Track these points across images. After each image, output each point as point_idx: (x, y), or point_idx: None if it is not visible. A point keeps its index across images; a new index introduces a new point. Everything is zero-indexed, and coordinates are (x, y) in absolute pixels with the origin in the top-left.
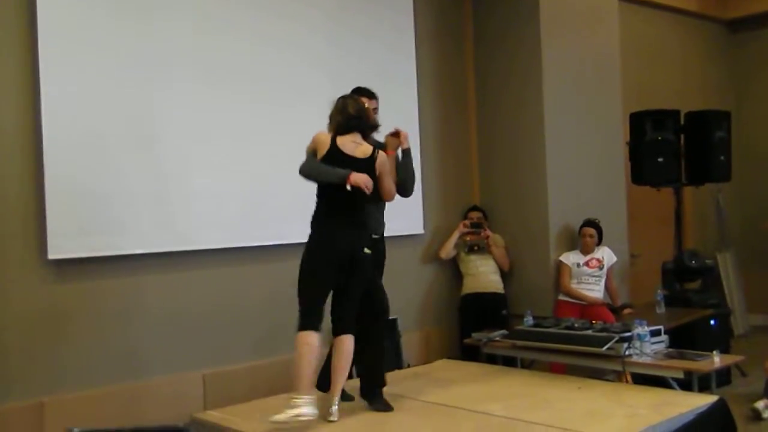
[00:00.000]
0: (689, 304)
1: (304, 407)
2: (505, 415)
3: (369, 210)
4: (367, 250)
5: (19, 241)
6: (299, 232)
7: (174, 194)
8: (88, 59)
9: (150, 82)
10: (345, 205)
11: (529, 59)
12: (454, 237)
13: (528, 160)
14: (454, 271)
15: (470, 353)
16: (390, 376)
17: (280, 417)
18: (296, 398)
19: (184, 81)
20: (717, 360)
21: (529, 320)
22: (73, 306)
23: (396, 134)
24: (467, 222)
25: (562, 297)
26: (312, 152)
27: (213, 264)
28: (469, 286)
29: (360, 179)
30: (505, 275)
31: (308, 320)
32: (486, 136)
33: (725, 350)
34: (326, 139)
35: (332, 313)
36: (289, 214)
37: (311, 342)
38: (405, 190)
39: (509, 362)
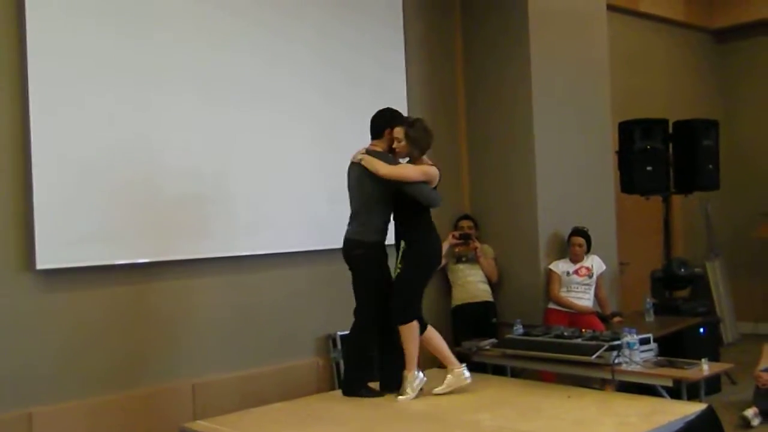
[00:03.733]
0: (678, 312)
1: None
2: (494, 425)
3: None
4: None
5: (7, 250)
6: (284, 242)
7: (163, 203)
8: (78, 66)
9: (143, 89)
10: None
11: (518, 69)
12: (444, 247)
13: (518, 169)
14: (443, 280)
15: (462, 362)
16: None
17: (447, 385)
18: (453, 368)
19: (177, 92)
20: (706, 368)
21: (518, 329)
22: (61, 316)
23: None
24: (456, 233)
25: (551, 305)
26: (426, 183)
27: (202, 274)
28: (458, 297)
29: None
30: (494, 284)
31: (418, 312)
32: (476, 146)
33: (714, 358)
34: (437, 172)
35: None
36: (272, 224)
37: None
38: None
39: (499, 371)
